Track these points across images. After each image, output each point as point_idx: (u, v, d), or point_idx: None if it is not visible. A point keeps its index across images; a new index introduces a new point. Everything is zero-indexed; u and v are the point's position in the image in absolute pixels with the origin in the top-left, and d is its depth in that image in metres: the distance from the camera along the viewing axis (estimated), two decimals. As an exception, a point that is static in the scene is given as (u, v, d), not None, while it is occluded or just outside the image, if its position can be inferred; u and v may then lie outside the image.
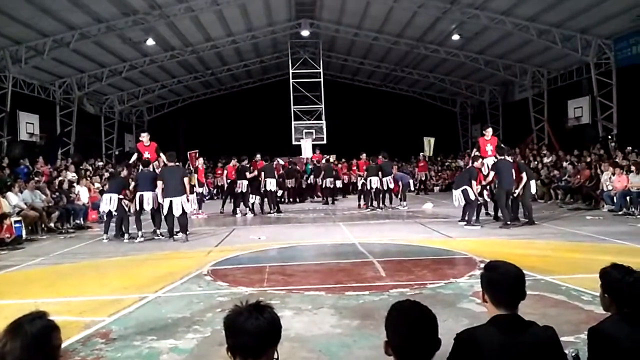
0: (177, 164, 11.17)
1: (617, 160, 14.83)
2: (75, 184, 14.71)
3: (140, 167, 11.00)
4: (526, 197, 11.02)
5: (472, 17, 17.93)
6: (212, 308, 5.17)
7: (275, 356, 1.77)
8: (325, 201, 18.46)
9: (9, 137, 17.31)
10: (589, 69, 18.79)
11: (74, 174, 16.24)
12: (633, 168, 13.11)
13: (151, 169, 10.99)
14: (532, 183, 11.46)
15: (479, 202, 11.24)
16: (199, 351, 4.04)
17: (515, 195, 10.89)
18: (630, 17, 15.47)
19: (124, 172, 11.47)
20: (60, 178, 14.94)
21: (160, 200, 10.36)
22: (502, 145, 12.23)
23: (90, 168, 19.24)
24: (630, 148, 15.76)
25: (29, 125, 18.30)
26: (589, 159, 16.66)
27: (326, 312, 4.94)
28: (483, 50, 21.70)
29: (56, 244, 10.36)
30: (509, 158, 11.12)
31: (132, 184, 10.97)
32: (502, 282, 2.18)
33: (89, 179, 16.20)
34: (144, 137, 11.87)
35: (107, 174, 18.61)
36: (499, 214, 11.28)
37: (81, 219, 13.50)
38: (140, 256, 8.67)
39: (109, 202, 10.73)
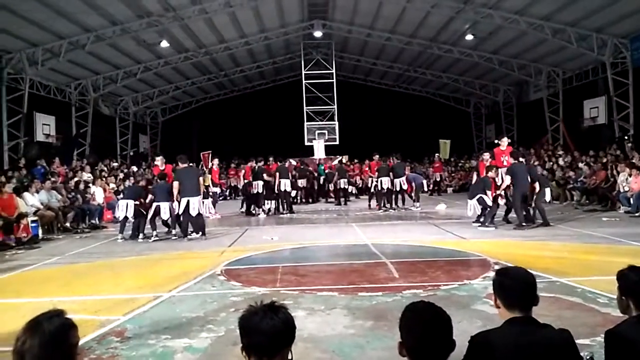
0: (191, 164, 11.25)
1: (633, 161, 14.62)
2: (90, 185, 14.88)
3: (157, 180, 11.22)
4: (538, 200, 10.93)
5: (486, 17, 17.80)
6: (226, 307, 5.20)
7: (290, 356, 1.78)
8: (338, 202, 18.49)
9: (25, 138, 17.54)
10: (604, 68, 18.55)
11: (90, 175, 16.43)
12: (650, 169, 12.93)
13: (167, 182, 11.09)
14: (547, 191, 11.35)
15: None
16: (212, 350, 4.06)
17: (529, 204, 10.85)
18: (647, 16, 15.26)
19: (143, 182, 11.78)
20: (76, 178, 15.13)
21: (176, 209, 10.49)
22: (517, 148, 12.04)
23: (106, 168, 19.44)
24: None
25: (45, 127, 18.54)
26: (605, 160, 16.45)
27: (339, 312, 4.93)
28: (497, 50, 21.53)
29: (72, 244, 10.50)
30: (522, 160, 11.08)
31: (150, 197, 11.04)
32: (513, 287, 2.19)
33: (104, 179, 16.39)
34: (159, 160, 12.17)
35: (121, 174, 18.81)
36: (509, 216, 11.23)
37: (96, 219, 13.67)
38: (155, 256, 8.75)
39: (125, 209, 10.87)
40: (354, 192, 20.86)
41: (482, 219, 10.98)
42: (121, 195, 12.79)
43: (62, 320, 1.79)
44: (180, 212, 10.46)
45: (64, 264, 8.24)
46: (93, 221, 13.49)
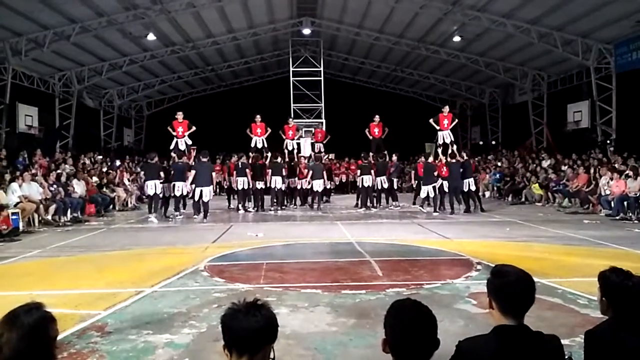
0: (208, 159, 13.75)
1: (615, 165, 14.84)
2: (72, 177, 14.67)
3: (175, 158, 14.25)
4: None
5: (474, 19, 17.92)
6: (209, 304, 5.18)
7: (272, 355, 1.78)
8: (310, 205, 16.30)
9: (7, 129, 17.25)
10: (589, 73, 18.80)
11: (72, 167, 16.20)
12: (631, 173, 13.13)
13: (184, 161, 14.15)
14: (471, 181, 14.36)
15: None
16: (194, 346, 4.04)
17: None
18: (631, 22, 15.47)
19: (155, 159, 13.81)
20: (58, 171, 14.90)
21: (189, 189, 13.47)
22: (454, 150, 14.96)
23: (88, 161, 19.17)
24: (627, 153, 15.74)
25: (27, 118, 18.28)
26: (587, 163, 16.68)
27: (322, 310, 4.94)
28: (484, 53, 21.70)
29: (53, 237, 10.35)
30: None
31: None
32: (513, 290, 2.06)
33: (86, 172, 16.18)
34: (179, 115, 15.18)
35: (105, 168, 18.59)
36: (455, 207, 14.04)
37: (78, 212, 13.49)
38: (137, 250, 8.66)
39: (154, 187, 13.36)
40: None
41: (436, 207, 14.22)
42: (142, 176, 15.55)
43: (41, 313, 1.76)
44: (195, 199, 13.23)
45: (44, 257, 8.13)
46: (75, 214, 13.32)
